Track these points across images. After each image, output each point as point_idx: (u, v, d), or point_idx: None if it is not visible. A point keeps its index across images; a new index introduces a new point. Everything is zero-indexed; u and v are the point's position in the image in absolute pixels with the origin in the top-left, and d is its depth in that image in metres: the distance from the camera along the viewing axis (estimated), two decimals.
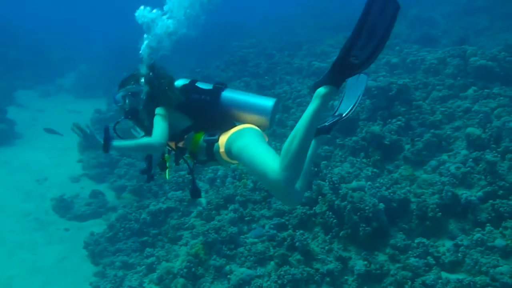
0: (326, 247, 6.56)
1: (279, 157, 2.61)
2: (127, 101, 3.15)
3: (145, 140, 2.92)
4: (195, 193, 3.30)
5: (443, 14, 18.47)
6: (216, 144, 3.02)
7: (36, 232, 9.49)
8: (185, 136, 3.14)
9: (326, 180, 7.42)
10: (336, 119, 3.17)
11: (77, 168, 12.49)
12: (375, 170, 7.55)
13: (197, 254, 6.99)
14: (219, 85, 3.20)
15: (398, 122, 8.53)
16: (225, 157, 3.01)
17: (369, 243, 6.52)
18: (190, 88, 3.21)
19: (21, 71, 20.87)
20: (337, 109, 3.26)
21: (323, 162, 7.96)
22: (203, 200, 8.46)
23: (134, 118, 3.17)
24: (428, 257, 6.04)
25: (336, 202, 6.79)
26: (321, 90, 2.46)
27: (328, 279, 6.18)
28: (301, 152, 2.51)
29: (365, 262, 6.17)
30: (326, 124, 3.19)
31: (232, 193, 7.86)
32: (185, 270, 6.81)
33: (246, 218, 7.39)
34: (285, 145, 2.54)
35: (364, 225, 6.46)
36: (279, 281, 6.04)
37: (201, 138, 3.08)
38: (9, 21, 24.25)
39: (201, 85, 3.22)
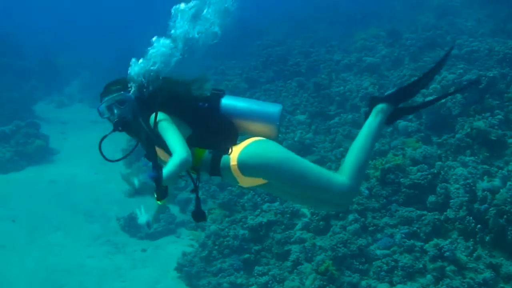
0: (474, 255, 6.19)
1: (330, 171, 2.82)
2: (114, 111, 2.71)
3: (177, 161, 2.46)
4: (199, 216, 2.83)
5: (463, 3, 18.26)
6: (225, 156, 2.72)
7: (114, 256, 8.81)
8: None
9: (450, 182, 7.09)
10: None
11: None
12: (504, 168, 7.21)
13: (327, 271, 6.52)
14: (217, 91, 2.84)
15: (498, 116, 8.22)
16: (236, 172, 2.68)
17: None
18: (185, 94, 2.81)
19: (29, 81, 19.73)
20: None
21: (438, 162, 7.57)
22: (306, 210, 7.96)
23: (125, 129, 2.75)
24: None
25: (475, 206, 6.43)
26: (384, 106, 2.87)
27: None
28: (367, 162, 2.85)
29: None
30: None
31: None
32: None
33: (370, 228, 6.95)
34: (352, 157, 2.78)
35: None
36: None
37: (206, 150, 2.76)
38: (10, 30, 22.98)
39: None
